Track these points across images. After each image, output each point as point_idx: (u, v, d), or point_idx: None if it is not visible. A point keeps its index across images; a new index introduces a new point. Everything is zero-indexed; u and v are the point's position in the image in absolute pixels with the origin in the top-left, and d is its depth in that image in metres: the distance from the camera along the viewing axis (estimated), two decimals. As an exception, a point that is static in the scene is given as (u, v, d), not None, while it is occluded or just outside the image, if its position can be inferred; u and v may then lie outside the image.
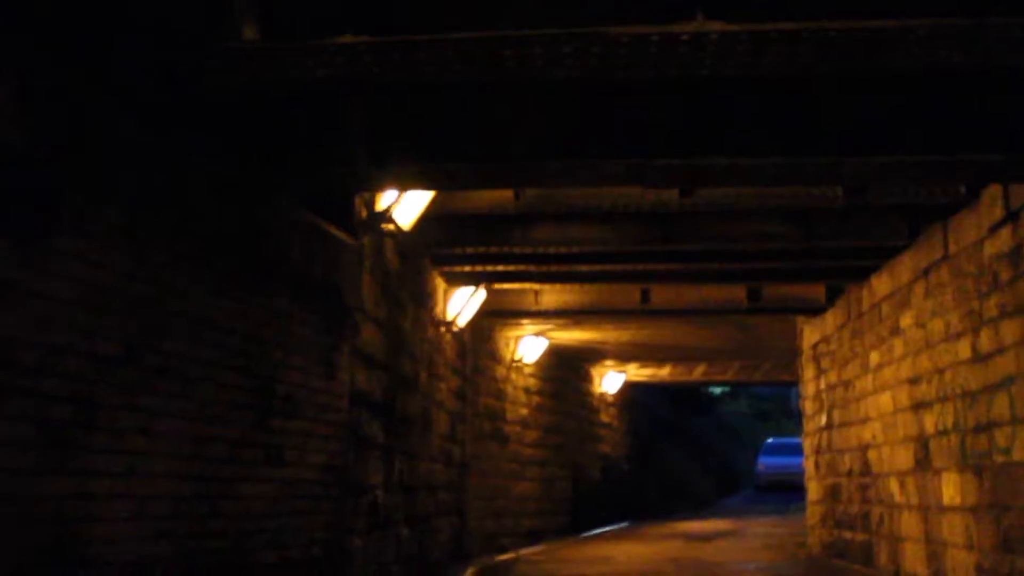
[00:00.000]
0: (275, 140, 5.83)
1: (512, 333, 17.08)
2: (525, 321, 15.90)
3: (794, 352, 18.27)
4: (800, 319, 15.43)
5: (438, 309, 11.73)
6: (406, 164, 6.22)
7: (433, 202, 8.70)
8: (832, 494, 13.63)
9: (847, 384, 12.81)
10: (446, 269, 11.54)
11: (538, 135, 6.16)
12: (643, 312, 13.82)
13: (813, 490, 14.84)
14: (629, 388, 25.15)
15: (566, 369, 20.70)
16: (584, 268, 11.44)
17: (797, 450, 37.81)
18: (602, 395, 23.34)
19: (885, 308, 11.29)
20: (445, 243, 10.40)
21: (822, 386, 14.11)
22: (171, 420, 5.20)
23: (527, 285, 12.32)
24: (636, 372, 23.38)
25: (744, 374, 23.57)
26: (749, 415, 48.50)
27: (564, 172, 6.44)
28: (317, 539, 6.78)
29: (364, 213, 7.53)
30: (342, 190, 7.00)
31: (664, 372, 23.41)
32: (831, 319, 13.58)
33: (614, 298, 13.60)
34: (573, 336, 17.65)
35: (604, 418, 23.70)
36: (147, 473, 5.03)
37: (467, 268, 11.46)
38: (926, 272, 9.96)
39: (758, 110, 6.03)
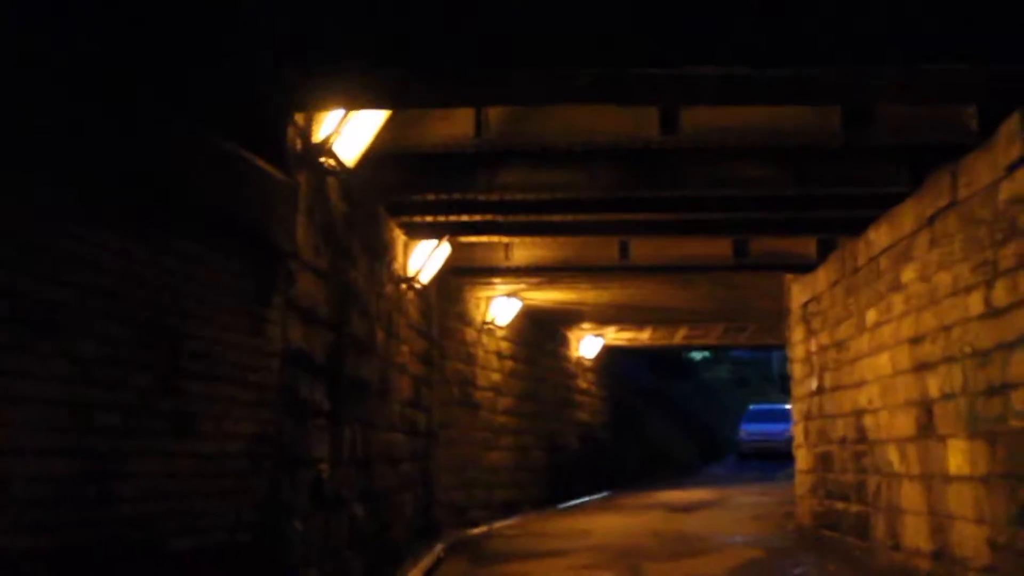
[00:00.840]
0: (172, 49, 4.84)
1: (483, 294, 16.14)
2: (496, 280, 14.96)
3: (781, 313, 17.38)
4: (788, 277, 14.52)
5: (397, 264, 10.76)
6: (342, 71, 5.25)
7: (383, 138, 7.71)
8: (823, 463, 12.78)
9: (840, 345, 11.93)
10: (405, 220, 10.56)
11: (500, 32, 5.20)
12: (622, 268, 12.88)
13: (802, 458, 13.99)
14: (608, 353, 24.27)
15: (541, 333, 19.79)
16: (557, 218, 10.49)
17: (780, 416, 37.40)
18: (579, 360, 22.45)
19: (884, 262, 10.38)
20: (401, 188, 9.43)
21: (812, 348, 13.23)
22: (41, 383, 4.22)
23: (496, 238, 11.35)
24: (615, 336, 22.49)
25: (728, 337, 22.71)
26: (730, 381, 47.84)
27: (531, 84, 5.49)
28: (245, 522, 5.83)
29: (300, 145, 6.54)
30: (267, 115, 6.00)
31: (645, 336, 22.52)
32: (823, 276, 12.67)
33: (591, 253, 12.66)
34: (548, 297, 16.72)
35: (582, 384, 22.82)
36: (10, 449, 4.07)
37: (428, 218, 10.48)
38: (931, 221, 9.04)
39: (762, 6, 5.07)
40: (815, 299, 13.01)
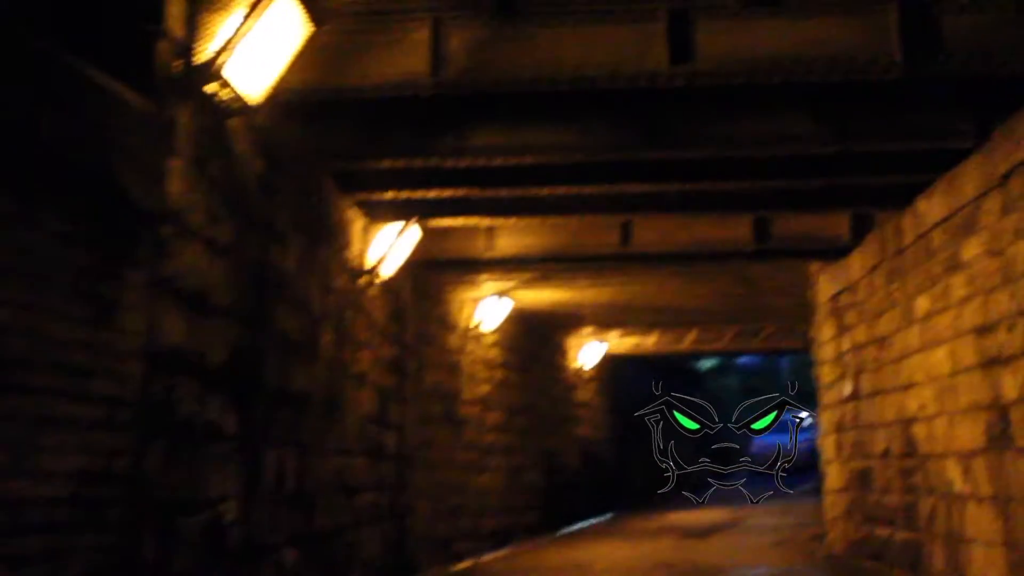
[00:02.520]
0: None
1: (468, 294, 14.30)
2: (481, 276, 13.12)
3: (803, 310, 15.55)
4: (814, 266, 12.69)
5: (353, 252, 8.94)
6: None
7: (310, 75, 5.93)
8: (861, 481, 10.93)
9: (882, 341, 10.09)
10: (362, 197, 8.75)
11: None
12: (624, 258, 11.04)
13: (834, 475, 12.13)
14: (610, 362, 22.40)
15: (536, 339, 17.93)
16: (545, 192, 8.66)
17: (795, 424, 35.49)
18: (579, 370, 20.58)
19: (938, 238, 8.56)
20: (345, 150, 7.62)
21: (845, 347, 11.39)
22: None
23: (473, 220, 9.51)
24: (618, 342, 20.62)
25: (741, 341, 20.83)
26: (738, 391, 45.89)
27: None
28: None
29: (179, 66, 4.73)
30: (122, 17, 4.22)
31: (650, 341, 20.65)
32: (858, 261, 10.83)
33: (587, 239, 10.82)
34: (542, 297, 14.87)
35: (583, 396, 20.95)
36: None
37: (389, 195, 8.67)
38: (1006, 178, 7.24)
39: None
40: (848, 289, 11.17)
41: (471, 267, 11.38)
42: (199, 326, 4.99)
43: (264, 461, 6.18)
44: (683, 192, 9.15)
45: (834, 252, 11.33)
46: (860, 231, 10.78)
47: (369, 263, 9.25)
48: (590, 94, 6.72)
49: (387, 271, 9.55)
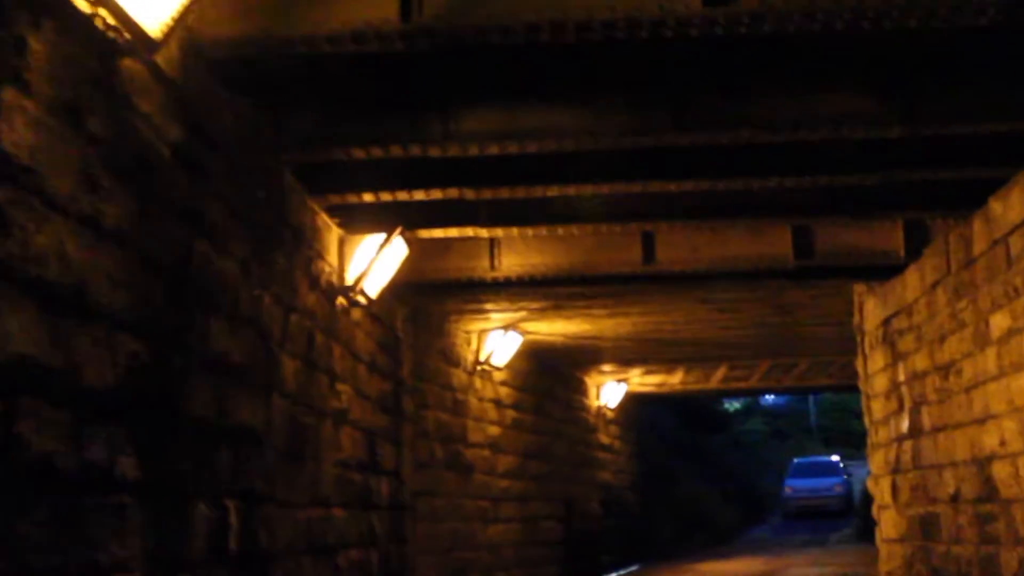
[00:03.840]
0: None
1: (474, 326, 12.97)
2: (488, 304, 11.78)
3: (842, 341, 14.15)
4: (859, 289, 11.30)
5: (327, 267, 7.62)
6: None
7: (244, 14, 4.65)
8: (924, 529, 9.46)
9: (947, 368, 8.68)
10: (336, 201, 7.46)
11: None
12: (645, 278, 9.69)
13: (889, 523, 10.65)
14: (633, 402, 20.97)
15: (551, 377, 16.54)
16: (552, 192, 7.34)
17: (828, 470, 33.92)
18: (600, 410, 19.15)
19: (1018, 243, 7.18)
20: (305, 136, 6.33)
21: (900, 377, 9.96)
22: None
23: (469, 231, 8.16)
24: (641, 381, 19.21)
25: (772, 378, 19.38)
26: (764, 433, 44.29)
27: None
28: None
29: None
30: None
31: (675, 379, 19.22)
32: (914, 279, 9.44)
33: (604, 256, 9.47)
34: (556, 329, 13.51)
35: (603, 439, 19.50)
36: None
37: (366, 197, 7.37)
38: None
39: None
40: (904, 311, 9.76)
41: (474, 290, 10.03)
42: (69, 333, 3.66)
43: (191, 516, 4.82)
44: (713, 194, 7.82)
45: (885, 270, 9.95)
46: (916, 245, 9.41)
47: (348, 280, 7.92)
48: (603, 52, 5.40)
49: (371, 291, 8.21)
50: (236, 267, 5.60)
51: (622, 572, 18.17)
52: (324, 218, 7.58)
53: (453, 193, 7.25)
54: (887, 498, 10.62)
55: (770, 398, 47.58)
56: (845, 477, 32.46)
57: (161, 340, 4.50)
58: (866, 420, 12.11)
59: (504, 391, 14.19)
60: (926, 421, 9.28)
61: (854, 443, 42.23)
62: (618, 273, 9.53)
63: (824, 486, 31.33)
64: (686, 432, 29.54)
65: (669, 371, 18.46)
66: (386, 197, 7.36)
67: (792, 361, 17.67)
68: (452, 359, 12.50)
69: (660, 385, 19.72)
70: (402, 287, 9.85)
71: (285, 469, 6.51)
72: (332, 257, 7.79)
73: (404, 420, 10.49)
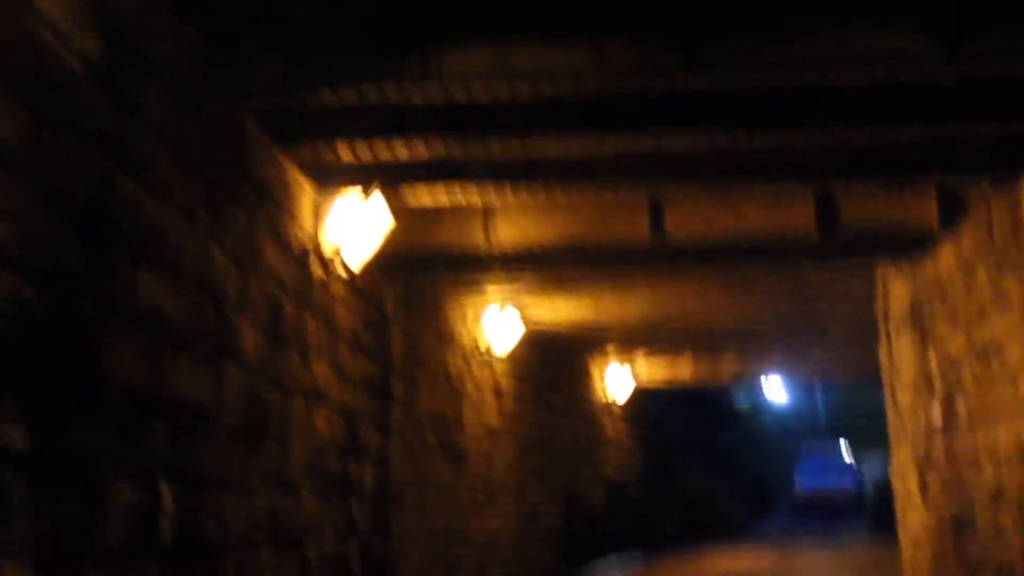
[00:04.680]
0: None
1: (472, 308, 12.18)
2: (487, 285, 11.01)
3: (863, 329, 13.36)
4: (883, 269, 10.50)
5: (299, 230, 6.84)
6: None
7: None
8: (957, 530, 8.66)
9: (987, 351, 7.87)
10: (306, 155, 6.67)
11: None
12: (654, 252, 8.88)
13: (916, 523, 9.84)
14: (640, 393, 20.15)
15: (554, 365, 15.74)
16: (549, 146, 6.54)
17: (838, 464, 33.09)
18: (604, 400, 18.34)
19: (1073, 208, 6.37)
20: (269, 76, 5.56)
21: (932, 363, 9.16)
22: None
23: (457, 188, 7.34)
24: (648, 369, 18.38)
25: (786, 367, 18.54)
26: (774, 430, 43.39)
27: None
28: None
29: None
30: None
31: (683, 369, 18.38)
32: (949, 253, 8.63)
33: (608, 226, 8.67)
34: (559, 312, 12.72)
35: (608, 431, 18.69)
36: None
37: (342, 151, 6.59)
38: None
39: None
40: (936, 290, 8.95)
41: (468, 265, 9.24)
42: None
43: (106, 497, 4.05)
44: (728, 153, 7.02)
45: (915, 245, 9.14)
46: (950, 216, 8.60)
47: (324, 244, 7.13)
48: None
49: (353, 263, 7.42)
50: (179, 215, 4.82)
51: (626, 567, 17.36)
52: (296, 175, 6.79)
53: (438, 147, 6.46)
54: (915, 495, 9.82)
55: (779, 401, 46.79)
56: (856, 472, 31.62)
57: (68, 288, 3.72)
58: (889, 412, 11.32)
59: (504, 378, 13.40)
60: (962, 410, 8.47)
61: (861, 440, 41.60)
62: (624, 246, 8.72)
63: (835, 481, 30.48)
64: (694, 428, 28.69)
65: (677, 360, 17.63)
66: (363, 152, 6.57)
67: (807, 349, 16.82)
68: (448, 342, 11.70)
69: (669, 376, 18.88)
70: (390, 263, 9.07)
71: (243, 450, 5.73)
72: (306, 221, 7.01)
73: (393, 405, 9.72)
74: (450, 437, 11.57)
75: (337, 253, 7.16)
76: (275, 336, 6.32)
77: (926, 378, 9.33)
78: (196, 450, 5.09)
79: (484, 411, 12.65)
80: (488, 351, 12.40)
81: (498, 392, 13.16)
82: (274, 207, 6.36)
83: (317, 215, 7.16)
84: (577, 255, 9.00)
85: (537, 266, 9.47)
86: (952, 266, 8.53)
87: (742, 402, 41.33)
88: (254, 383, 5.93)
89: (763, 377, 20.88)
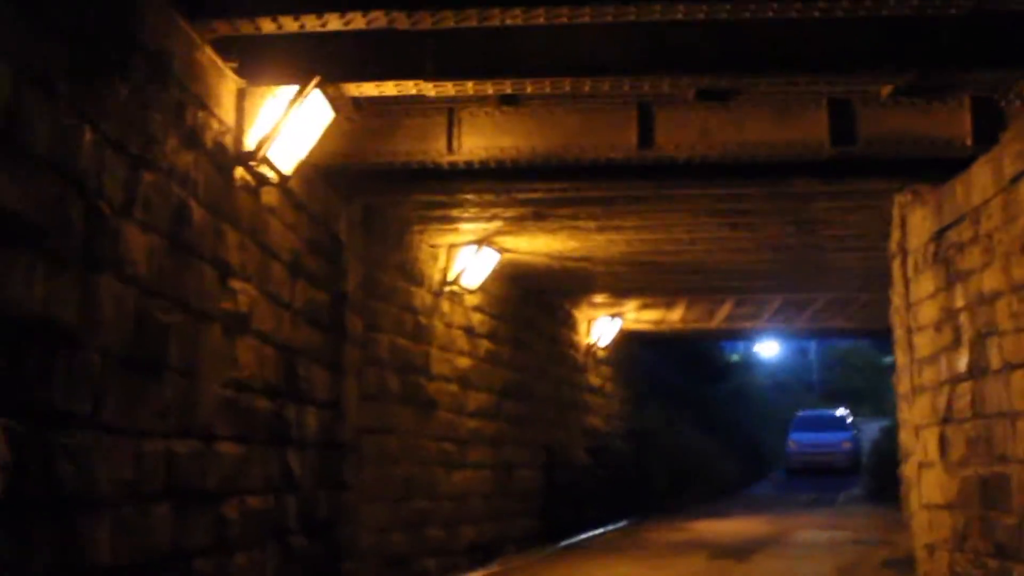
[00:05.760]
0: None
1: (442, 239, 11.04)
2: (455, 211, 9.86)
3: (870, 274, 12.33)
4: (901, 200, 9.35)
5: (216, 121, 5.68)
6: None
7: None
8: (986, 494, 7.57)
9: (1027, 288, 6.75)
10: (221, 29, 5.49)
11: None
12: (643, 168, 7.75)
13: (933, 485, 8.76)
14: (627, 342, 19.05)
15: (536, 307, 14.62)
16: (515, 13, 5.36)
17: (834, 424, 32.05)
18: (590, 348, 17.23)
19: None
20: None
21: (959, 303, 8.03)
22: None
23: (410, 85, 6.15)
24: (636, 317, 17.27)
25: (784, 317, 17.44)
26: (765, 387, 42.47)
27: None
28: None
29: None
30: None
31: (675, 316, 17.29)
32: (984, 175, 7.47)
33: (591, 137, 7.50)
34: (538, 245, 11.56)
35: (593, 380, 17.60)
36: None
37: (264, 25, 5.41)
38: None
39: None
40: (968, 218, 7.80)
41: (430, 179, 8.07)
42: None
43: None
44: (727, 43, 5.86)
45: (943, 167, 8.00)
46: (987, 131, 7.45)
47: (248, 141, 5.97)
48: None
49: (283, 164, 6.25)
50: (13, 76, 3.66)
51: (609, 528, 16.35)
52: (210, 55, 5.61)
53: (379, 19, 5.28)
54: (932, 454, 8.72)
55: (770, 354, 45.91)
56: (853, 432, 30.64)
57: None
58: (900, 362, 10.22)
59: (477, 318, 12.27)
60: (994, 357, 7.35)
61: (856, 399, 40.68)
62: (608, 160, 7.56)
63: (831, 441, 29.49)
64: (684, 379, 27.64)
65: (668, 306, 16.51)
66: (291, 27, 5.39)
67: (808, 297, 15.72)
68: (413, 276, 10.58)
69: (658, 322, 17.78)
70: (341, 176, 7.94)
71: (126, 383, 4.61)
72: (225, 113, 5.83)
73: (347, 342, 8.61)
74: (415, 380, 10.47)
75: (262, 150, 5.98)
76: (178, 245, 5.17)
77: (951, 320, 8.20)
78: (51, 379, 3.96)
79: (454, 353, 11.54)
80: (458, 285, 11.26)
81: (471, 332, 12.03)
82: (177, 89, 5.18)
83: (242, 109, 5.99)
84: (554, 171, 7.85)
85: (507, 184, 8.31)
86: (988, 188, 7.38)
87: (734, 356, 40.38)
88: (145, 302, 4.79)
89: (757, 329, 19.74)
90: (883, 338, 31.61)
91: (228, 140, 5.84)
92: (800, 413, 32.24)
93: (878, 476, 21.92)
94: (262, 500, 6.45)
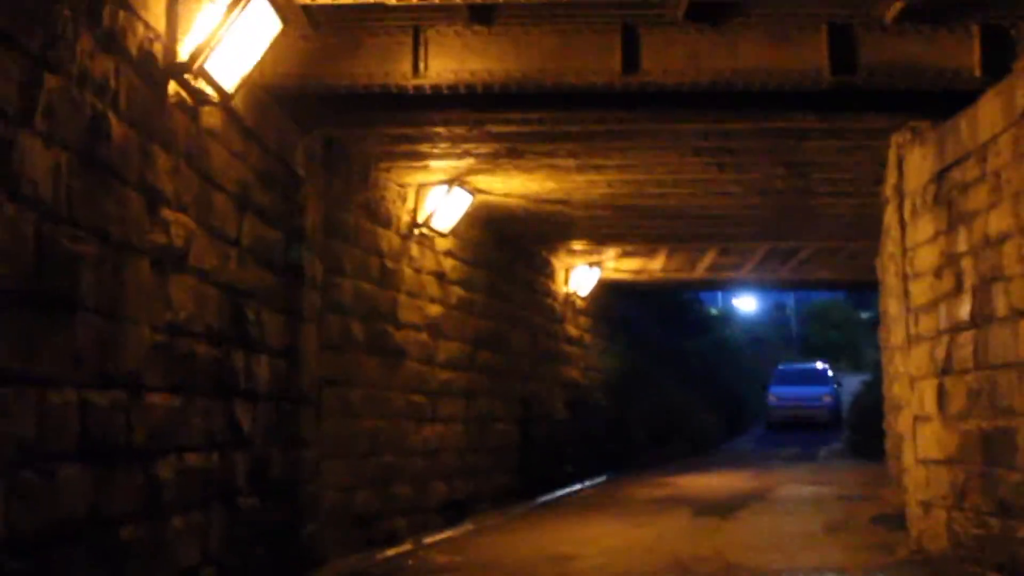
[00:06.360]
0: None
1: (411, 178, 10.40)
2: (424, 146, 9.23)
3: (860, 221, 11.86)
4: (899, 140, 8.76)
5: (142, 24, 5.02)
6: None
7: None
8: (988, 448, 7.04)
9: (1041, 228, 6.17)
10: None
11: None
12: (626, 95, 7.11)
13: (930, 439, 8.23)
14: (607, 292, 18.46)
15: (511, 253, 14.00)
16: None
17: (815, 378, 31.63)
18: (569, 297, 16.64)
19: None
20: None
21: (961, 246, 7.46)
22: None
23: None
24: (616, 266, 16.68)
25: (768, 268, 16.89)
26: (743, 340, 42.08)
27: None
28: None
29: None
30: None
31: (656, 265, 16.72)
32: (993, 109, 6.88)
33: (569, 61, 6.88)
34: (514, 187, 10.95)
35: (572, 330, 17.03)
36: None
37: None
38: None
39: None
40: (973, 156, 7.21)
41: (394, 106, 7.42)
42: None
43: None
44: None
45: (948, 101, 7.40)
46: (999, 60, 6.87)
47: (181, 49, 5.30)
48: None
49: (225, 76, 5.58)
50: None
51: (588, 483, 15.86)
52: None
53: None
54: (930, 407, 8.18)
55: (748, 309, 45.59)
56: (834, 386, 30.23)
57: None
58: (894, 310, 9.72)
59: (449, 263, 11.65)
60: (1000, 303, 6.79)
61: (833, 354, 40.40)
62: (589, 86, 6.93)
63: (812, 395, 29.06)
64: (664, 333, 27.10)
65: (649, 254, 15.92)
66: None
67: (793, 246, 15.15)
68: (380, 217, 9.94)
69: (639, 271, 17.19)
70: (298, 102, 7.27)
71: (23, 323, 3.97)
72: (154, 18, 5.16)
73: (305, 286, 7.99)
74: (381, 328, 9.86)
75: (197, 61, 5.31)
76: (92, 165, 4.52)
77: (952, 265, 7.63)
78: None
79: (424, 299, 10.93)
80: (429, 227, 10.63)
81: (442, 278, 11.42)
82: (94, -11, 4.51)
83: (174, 15, 5.31)
84: (530, 100, 7.20)
85: (479, 113, 7.67)
86: (998, 123, 6.78)
87: (713, 309, 39.91)
88: (49, 228, 4.15)
89: (740, 279, 19.20)
90: (862, 292, 31.10)
91: (158, 48, 5.17)
92: (780, 366, 31.79)
93: (860, 430, 21.53)
94: (204, 457, 5.85)
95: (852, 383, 30.06)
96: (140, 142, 4.98)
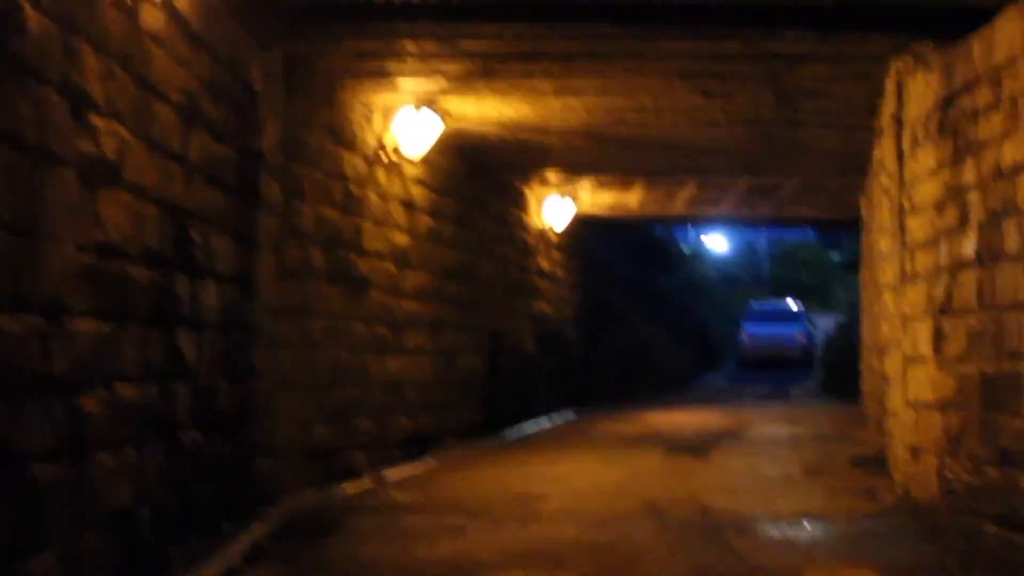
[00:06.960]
0: None
1: (378, 99, 9.78)
2: (392, 63, 8.60)
3: (848, 156, 11.39)
4: (899, 66, 8.22)
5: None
6: None
7: None
8: (989, 393, 6.60)
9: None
10: None
11: None
12: (611, 5, 6.51)
13: (923, 382, 7.79)
14: (580, 226, 17.91)
15: (483, 183, 13.42)
16: None
17: (788, 316, 31.36)
18: (541, 231, 16.10)
19: None
20: None
21: (968, 178, 6.95)
22: None
23: None
24: (592, 199, 16.12)
25: (749, 204, 16.40)
26: (716, 279, 41.83)
27: None
28: None
29: None
30: None
31: (632, 199, 16.16)
32: (1011, 30, 6.33)
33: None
34: (487, 112, 10.35)
35: (544, 264, 16.51)
36: None
37: None
38: None
39: None
40: (985, 81, 6.66)
41: (360, 19, 6.80)
42: None
43: None
44: None
45: (954, 24, 6.85)
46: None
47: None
48: None
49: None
50: None
51: (557, 419, 15.44)
52: None
53: None
54: (924, 348, 7.73)
55: (720, 249, 45.28)
56: (807, 325, 29.95)
57: None
58: (886, 247, 9.27)
59: (418, 191, 11.07)
60: (1011, 239, 6.30)
61: (805, 295, 40.27)
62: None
63: (785, 334, 28.76)
64: (636, 269, 26.64)
65: (625, 186, 15.35)
66: None
67: (776, 182, 14.64)
68: (344, 139, 9.35)
69: (615, 205, 16.64)
70: (254, 12, 6.64)
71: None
72: None
73: (261, 209, 7.41)
74: (344, 256, 9.32)
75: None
76: (1, 58, 3.92)
77: (957, 198, 7.13)
78: None
79: (390, 228, 10.37)
80: (396, 150, 10.03)
81: (410, 206, 10.84)
82: None
83: None
84: (505, 10, 6.60)
85: (451, 26, 7.06)
86: (1016, 43, 6.23)
87: (685, 246, 39.53)
88: None
89: (719, 215, 18.74)
90: (835, 233, 30.71)
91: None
92: (753, 304, 31.47)
93: (834, 370, 21.28)
94: (139, 389, 5.31)
95: (822, 323, 29.85)
96: (62, 37, 4.37)
